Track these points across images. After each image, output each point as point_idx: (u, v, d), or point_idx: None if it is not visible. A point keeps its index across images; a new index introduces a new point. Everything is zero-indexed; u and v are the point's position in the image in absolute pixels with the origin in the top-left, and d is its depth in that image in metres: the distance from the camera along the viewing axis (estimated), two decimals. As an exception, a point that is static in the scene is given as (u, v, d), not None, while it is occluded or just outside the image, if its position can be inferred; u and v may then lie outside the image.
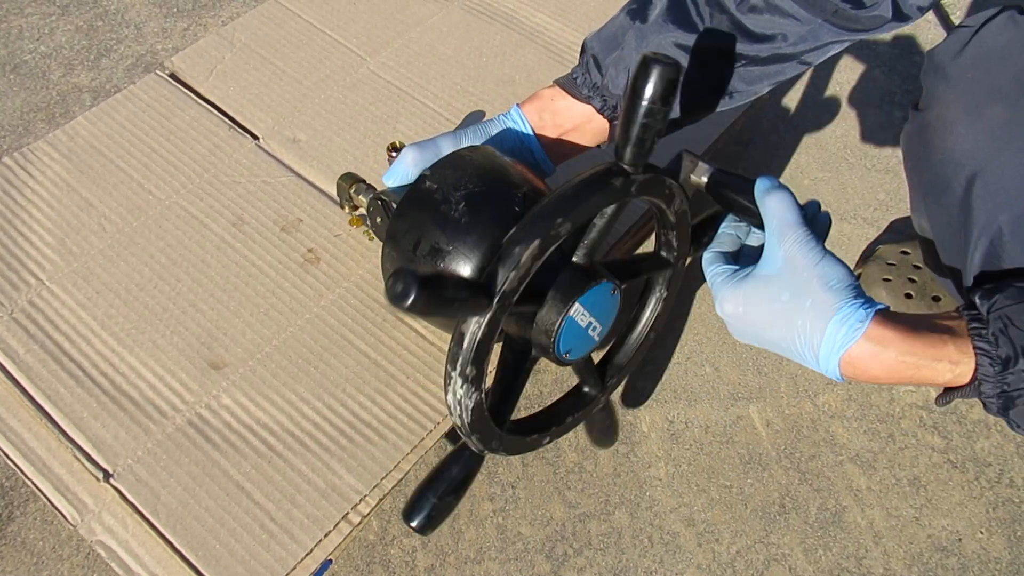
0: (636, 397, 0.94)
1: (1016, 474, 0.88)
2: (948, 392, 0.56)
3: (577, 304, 0.63)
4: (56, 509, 0.71)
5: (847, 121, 1.19)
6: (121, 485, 0.72)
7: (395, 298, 0.47)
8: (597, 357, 0.76)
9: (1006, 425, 0.55)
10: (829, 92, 1.23)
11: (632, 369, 0.78)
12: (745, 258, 0.65)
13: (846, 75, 1.25)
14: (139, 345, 0.80)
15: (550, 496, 0.87)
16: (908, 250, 0.99)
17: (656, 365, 0.96)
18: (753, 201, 0.62)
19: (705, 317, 1.00)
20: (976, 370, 0.53)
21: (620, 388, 0.93)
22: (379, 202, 0.76)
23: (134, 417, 0.76)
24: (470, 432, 0.61)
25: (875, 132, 1.18)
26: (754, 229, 0.67)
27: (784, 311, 0.56)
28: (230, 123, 0.96)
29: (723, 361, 0.97)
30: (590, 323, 0.66)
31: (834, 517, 0.86)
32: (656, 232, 0.71)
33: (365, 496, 0.72)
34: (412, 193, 0.70)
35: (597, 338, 0.68)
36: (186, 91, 0.98)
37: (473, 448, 0.64)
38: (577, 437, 0.91)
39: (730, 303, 0.59)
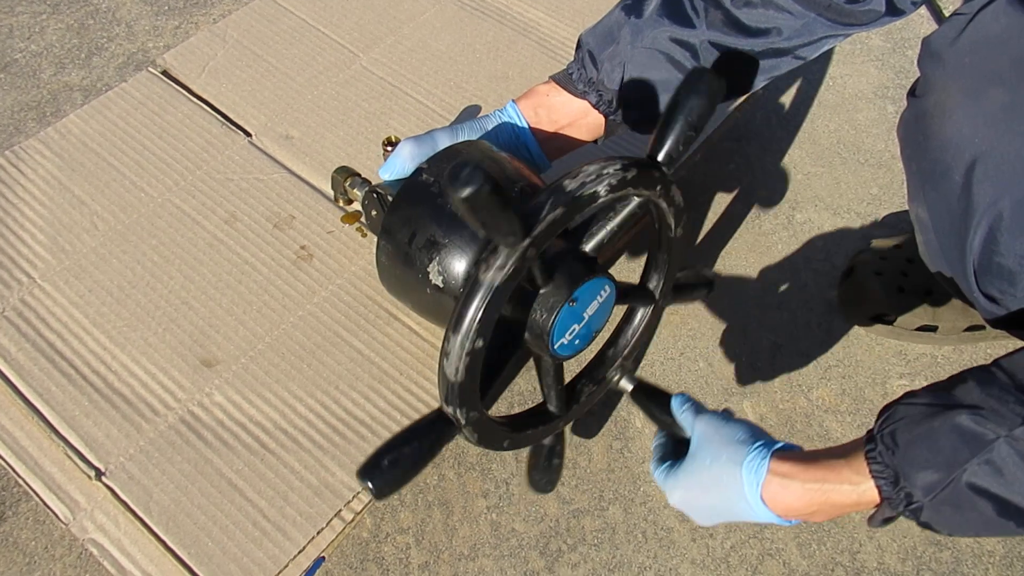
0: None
1: (1009, 467, 0.88)
2: (873, 517, 0.59)
3: (577, 296, 0.63)
4: (48, 508, 0.71)
5: (840, 116, 1.19)
6: (113, 483, 0.72)
7: (459, 182, 0.46)
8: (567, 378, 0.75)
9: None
10: (822, 87, 1.23)
11: (596, 399, 0.77)
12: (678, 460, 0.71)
13: (839, 70, 1.25)
14: (131, 343, 0.79)
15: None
16: (900, 244, 0.99)
17: (649, 360, 0.96)
18: (669, 412, 0.70)
19: (698, 312, 1.00)
20: (880, 491, 0.56)
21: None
22: (375, 195, 0.76)
23: (126, 415, 0.75)
24: (456, 395, 0.58)
25: (868, 127, 1.18)
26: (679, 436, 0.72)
27: (711, 474, 0.63)
28: (223, 120, 0.96)
29: (716, 356, 0.97)
30: (584, 319, 0.65)
31: (828, 511, 0.86)
32: (648, 255, 0.71)
33: (358, 493, 0.72)
34: (408, 186, 0.70)
35: (582, 344, 0.67)
36: (178, 88, 0.98)
37: (450, 416, 0.61)
38: (570, 432, 0.91)
39: (675, 491, 0.66)
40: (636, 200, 0.65)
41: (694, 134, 0.63)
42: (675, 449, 0.71)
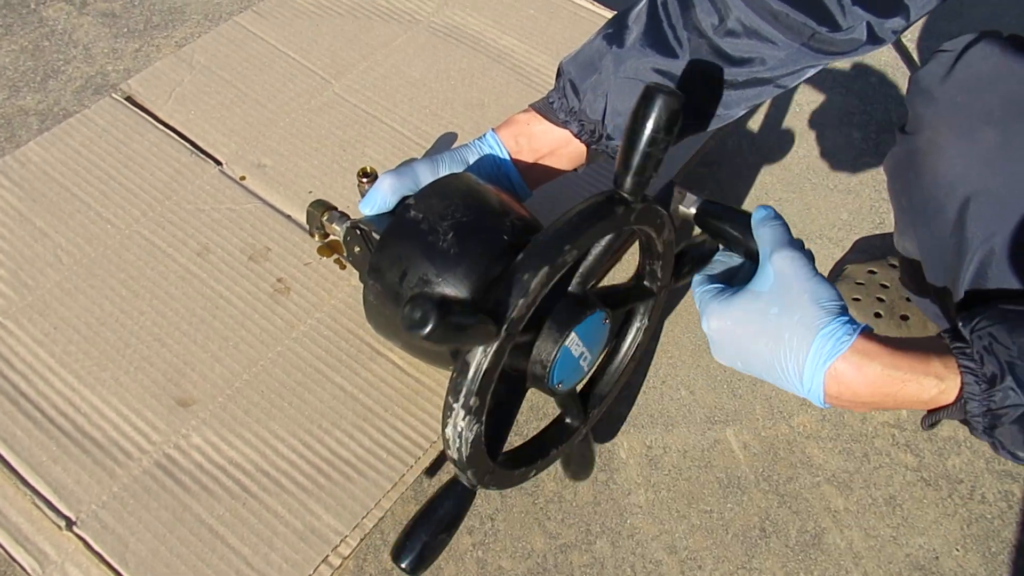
0: (612, 423, 0.93)
1: (987, 490, 0.89)
2: (933, 413, 0.56)
3: (573, 334, 0.62)
4: (15, 561, 0.67)
5: (808, 142, 1.21)
6: (85, 533, 0.68)
7: (412, 325, 0.46)
8: (579, 387, 0.75)
9: (990, 447, 0.55)
10: (789, 114, 1.24)
11: (612, 398, 0.77)
12: (735, 286, 0.65)
13: (805, 96, 1.27)
14: (101, 383, 0.76)
15: (530, 527, 0.86)
16: (875, 269, 1.01)
17: (631, 390, 0.95)
18: (742, 232, 0.63)
19: (679, 340, 0.99)
20: (961, 389, 0.53)
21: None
22: (357, 231, 0.73)
23: (98, 460, 0.72)
24: (467, 466, 0.59)
25: (835, 152, 1.20)
26: (746, 261, 0.67)
27: (772, 324, 0.56)
28: (191, 148, 0.93)
29: (698, 384, 0.97)
30: (582, 353, 0.65)
31: (814, 539, 0.86)
32: (641, 260, 0.70)
33: (346, 537, 0.70)
34: (397, 223, 0.68)
35: (587, 367, 0.67)
36: (144, 115, 0.95)
37: (466, 483, 0.62)
38: (555, 466, 0.89)
39: (717, 318, 0.60)
40: (609, 237, 0.64)
41: (655, 150, 0.58)
42: (730, 273, 0.65)
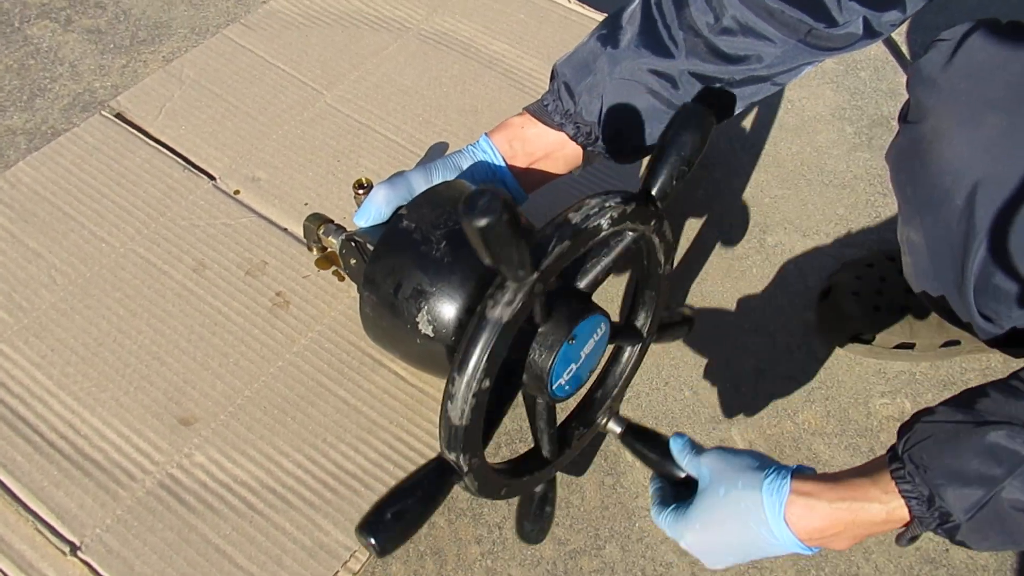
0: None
1: (994, 481, 0.89)
2: (902, 535, 0.58)
3: (579, 327, 0.61)
4: (20, 589, 0.66)
5: (801, 139, 1.21)
6: (90, 558, 0.67)
7: (477, 211, 0.44)
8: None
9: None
10: (781, 111, 1.24)
11: (586, 441, 0.75)
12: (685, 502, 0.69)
13: (796, 93, 1.27)
14: (101, 404, 0.75)
15: (539, 534, 0.85)
16: (872, 263, 1.00)
17: (635, 391, 0.95)
18: (660, 455, 0.69)
19: (681, 341, 0.99)
20: (911, 510, 0.55)
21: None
22: (352, 244, 0.73)
23: (100, 483, 0.71)
24: (461, 441, 0.56)
25: (829, 148, 1.20)
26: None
27: (728, 505, 0.61)
28: (184, 164, 0.92)
29: (701, 384, 0.96)
30: (582, 357, 0.64)
31: (824, 536, 0.86)
32: (632, 301, 0.71)
33: (355, 552, 0.69)
34: (389, 234, 0.67)
35: (583, 377, 0.66)
36: (135, 132, 0.94)
37: (451, 460, 0.57)
38: (562, 471, 0.89)
39: (688, 532, 0.63)
40: (631, 235, 0.64)
41: (687, 169, 0.63)
42: (674, 492, 0.69)
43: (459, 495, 0.85)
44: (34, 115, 1.19)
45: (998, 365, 0.98)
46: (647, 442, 0.71)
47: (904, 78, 1.29)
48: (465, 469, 0.58)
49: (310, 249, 0.82)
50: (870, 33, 0.70)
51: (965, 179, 0.63)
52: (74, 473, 0.71)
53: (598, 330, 0.65)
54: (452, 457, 0.57)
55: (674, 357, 0.98)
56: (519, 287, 0.52)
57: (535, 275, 0.52)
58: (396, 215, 0.68)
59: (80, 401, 0.75)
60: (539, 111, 0.74)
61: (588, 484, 0.88)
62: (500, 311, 0.52)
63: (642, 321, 0.72)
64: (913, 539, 0.58)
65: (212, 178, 0.91)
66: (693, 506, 0.64)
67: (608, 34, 0.71)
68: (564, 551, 0.84)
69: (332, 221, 0.80)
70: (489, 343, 0.53)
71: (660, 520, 0.67)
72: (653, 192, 0.62)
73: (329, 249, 0.80)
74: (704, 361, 0.98)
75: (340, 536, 0.69)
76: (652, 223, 0.62)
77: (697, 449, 0.66)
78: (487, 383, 0.54)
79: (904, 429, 0.57)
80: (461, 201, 0.45)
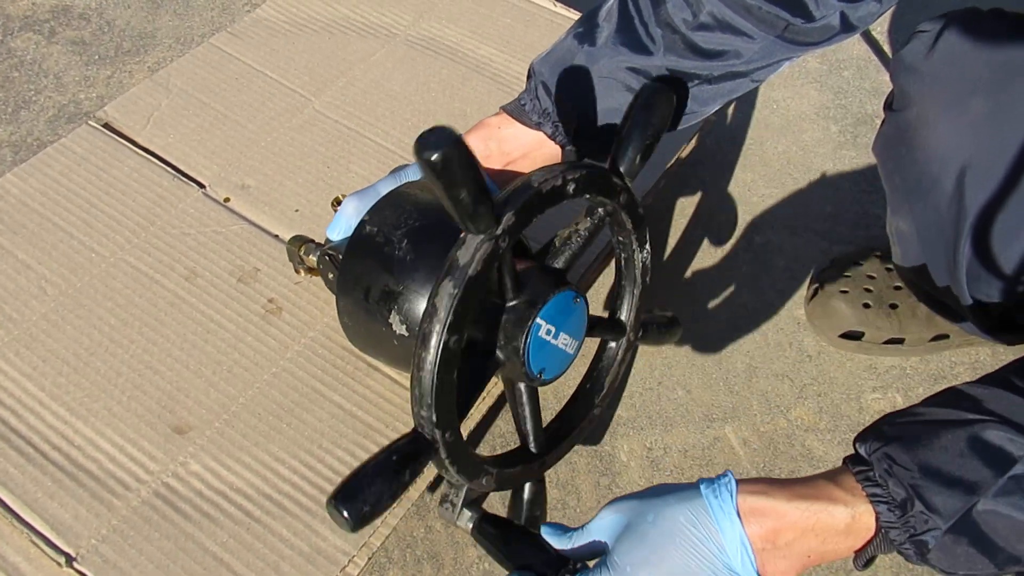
0: (610, 426, 0.93)
1: (986, 473, 0.90)
2: (861, 552, 0.51)
3: (552, 303, 0.60)
4: (15, 602, 0.66)
5: (787, 138, 1.22)
6: (86, 569, 0.67)
7: (428, 146, 0.45)
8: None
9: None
10: (766, 110, 1.25)
11: (577, 440, 0.74)
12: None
13: (781, 93, 1.28)
14: (94, 414, 0.74)
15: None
16: (861, 260, 1.01)
17: (628, 392, 0.95)
18: (507, 552, 0.60)
19: (672, 340, 1.00)
20: (877, 519, 0.49)
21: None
22: (327, 257, 0.73)
23: (95, 493, 0.70)
24: (432, 405, 0.54)
25: (814, 146, 1.21)
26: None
27: (661, 528, 0.51)
28: (173, 172, 0.92)
29: (694, 383, 0.97)
30: (560, 337, 0.63)
31: (819, 532, 0.86)
32: (616, 286, 0.71)
33: (353, 557, 0.69)
34: (353, 242, 0.68)
35: (568, 357, 0.65)
36: (123, 141, 0.94)
37: (426, 435, 0.55)
38: (557, 473, 0.89)
39: None
40: (599, 212, 0.64)
41: (651, 143, 0.64)
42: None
43: (455, 499, 0.85)
44: (19, 127, 1.18)
45: (987, 359, 0.99)
46: (511, 535, 0.62)
47: (887, 76, 1.30)
48: (438, 438, 0.55)
49: (297, 271, 0.83)
50: (847, 27, 0.70)
51: (953, 163, 0.63)
52: (68, 484, 0.70)
53: (573, 307, 0.64)
54: (425, 421, 0.55)
55: (667, 357, 0.98)
56: (482, 239, 0.52)
57: (500, 228, 0.53)
58: (360, 222, 0.68)
59: (73, 411, 0.74)
60: (516, 111, 0.73)
61: (584, 485, 0.89)
62: (463, 261, 0.52)
63: (625, 314, 0.72)
64: (869, 562, 0.51)
65: (202, 186, 0.91)
66: (610, 557, 0.53)
67: (585, 32, 0.70)
68: (561, 552, 0.84)
69: (312, 240, 0.80)
70: (455, 295, 0.52)
71: None
72: (621, 168, 0.63)
73: (313, 268, 0.80)
74: (696, 360, 0.98)
75: (338, 541, 0.69)
76: (620, 197, 0.63)
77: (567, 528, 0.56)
78: (455, 339, 0.53)
79: (868, 433, 0.51)
80: (414, 145, 0.46)
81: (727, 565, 0.49)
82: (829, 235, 1.10)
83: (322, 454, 0.73)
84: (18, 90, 1.23)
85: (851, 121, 1.24)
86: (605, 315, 0.74)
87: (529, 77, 0.73)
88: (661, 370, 0.97)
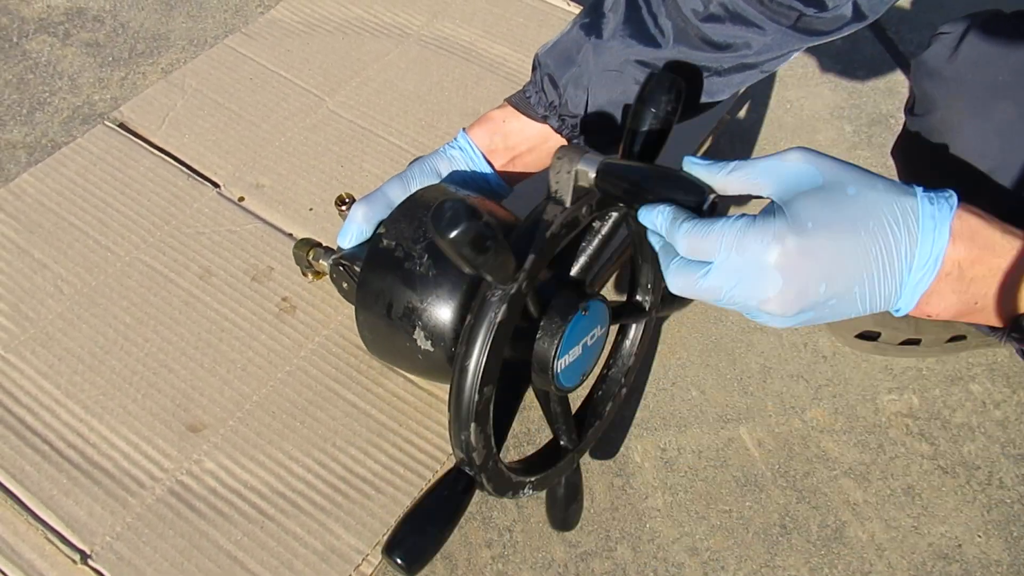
0: (624, 428, 0.92)
1: (1004, 475, 0.89)
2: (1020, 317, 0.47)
3: (579, 315, 0.61)
4: (31, 599, 0.66)
5: (801, 138, 1.21)
6: (101, 566, 0.67)
7: (444, 224, 0.45)
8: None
9: (991, 426, 0.52)
10: (780, 110, 1.25)
11: (605, 424, 0.76)
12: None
13: (795, 93, 1.27)
14: (109, 412, 0.75)
15: (549, 537, 0.85)
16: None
17: (642, 392, 0.95)
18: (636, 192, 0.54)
19: (686, 341, 0.99)
20: None
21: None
22: (341, 267, 0.72)
23: (109, 490, 0.70)
24: (472, 449, 0.56)
25: (828, 147, 1.20)
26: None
27: (858, 207, 0.45)
28: (188, 172, 0.92)
29: (708, 384, 0.96)
30: (587, 343, 0.64)
31: (835, 534, 0.85)
32: (631, 275, 0.71)
33: (367, 555, 0.69)
34: (371, 256, 0.67)
35: (593, 361, 0.66)
36: (138, 141, 0.94)
37: (467, 471, 0.58)
38: (571, 473, 0.88)
39: (789, 235, 0.44)
40: (615, 215, 0.64)
41: (664, 131, 0.60)
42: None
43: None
44: (34, 128, 1.19)
45: (1005, 360, 0.98)
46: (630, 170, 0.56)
47: (901, 76, 1.30)
48: (482, 475, 0.59)
49: (304, 275, 0.82)
50: (858, 16, 0.68)
51: (977, 169, 0.62)
52: (83, 481, 0.71)
53: (597, 315, 0.64)
54: (468, 466, 0.58)
55: (680, 357, 0.98)
56: (506, 289, 0.53)
57: (520, 275, 0.53)
58: (375, 235, 0.68)
59: (88, 409, 0.75)
60: (521, 103, 0.72)
61: (598, 486, 0.88)
62: (490, 312, 0.53)
63: (642, 294, 0.72)
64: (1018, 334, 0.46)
65: (216, 186, 0.91)
66: (794, 205, 0.45)
67: (591, 23, 0.68)
68: (575, 553, 0.84)
69: (320, 244, 0.79)
70: (486, 345, 0.53)
71: (702, 231, 0.47)
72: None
73: (322, 272, 0.79)
74: (711, 361, 0.98)
75: (352, 540, 0.69)
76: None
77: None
78: (489, 387, 0.55)
79: None
80: (429, 216, 0.46)
81: (902, 282, 0.45)
82: (844, 235, 1.09)
83: (336, 452, 0.73)
84: (33, 92, 1.23)
85: (865, 121, 1.23)
86: (623, 299, 0.74)
87: (534, 69, 0.72)
88: (675, 371, 0.97)
